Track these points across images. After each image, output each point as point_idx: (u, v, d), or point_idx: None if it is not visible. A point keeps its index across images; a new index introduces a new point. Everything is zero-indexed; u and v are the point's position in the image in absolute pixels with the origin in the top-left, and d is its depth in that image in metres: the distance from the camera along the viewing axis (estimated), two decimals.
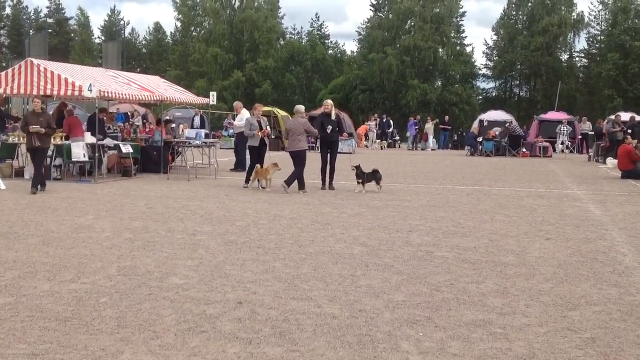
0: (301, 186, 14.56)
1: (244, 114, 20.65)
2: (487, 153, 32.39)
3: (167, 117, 21.95)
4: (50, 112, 21.17)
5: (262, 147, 15.58)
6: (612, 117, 29.17)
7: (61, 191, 13.94)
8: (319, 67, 68.28)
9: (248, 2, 67.55)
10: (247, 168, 16.24)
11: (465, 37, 66.43)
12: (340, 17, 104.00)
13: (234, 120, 23.20)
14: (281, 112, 35.30)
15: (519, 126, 37.27)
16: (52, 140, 14.93)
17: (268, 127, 16.78)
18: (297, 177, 14.54)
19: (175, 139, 18.83)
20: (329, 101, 15.97)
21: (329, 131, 15.07)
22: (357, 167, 14.88)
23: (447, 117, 43.84)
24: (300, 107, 15.31)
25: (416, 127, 40.08)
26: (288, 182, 14.48)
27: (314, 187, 15.21)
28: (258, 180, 15.27)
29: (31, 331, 5.01)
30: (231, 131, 36.66)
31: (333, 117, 15.31)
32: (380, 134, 40.63)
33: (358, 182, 14.88)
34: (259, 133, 15.24)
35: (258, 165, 15.25)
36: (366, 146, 39.87)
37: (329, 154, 15.22)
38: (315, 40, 70.31)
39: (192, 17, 69.38)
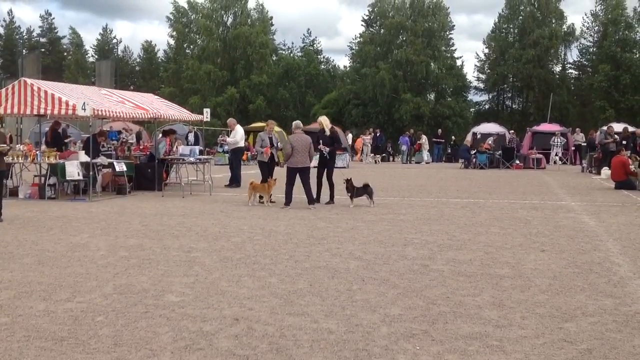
0: (311, 201, 14.59)
1: (238, 130, 20.69)
2: (481, 166, 32.49)
3: (171, 127, 21.98)
4: (45, 130, 21.24)
5: (272, 163, 15.68)
6: (605, 128, 29.32)
7: (56, 210, 13.92)
8: (312, 83, 68.51)
9: (242, 18, 67.85)
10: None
11: (455, 50, 66.78)
12: (331, 32, 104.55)
13: (228, 136, 23.23)
14: (275, 128, 35.35)
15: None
16: (4, 160, 13.04)
17: (279, 144, 16.86)
18: (308, 192, 14.61)
19: (170, 156, 18.81)
20: (322, 118, 16.03)
21: (320, 147, 15.28)
22: (348, 181, 14.86)
23: (440, 131, 44.06)
24: (299, 123, 15.35)
25: (408, 142, 40.34)
26: (311, 200, 14.55)
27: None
28: (261, 197, 15.30)
29: (28, 351, 4.99)
30: (226, 147, 36.78)
31: (327, 132, 15.45)
32: (374, 148, 40.77)
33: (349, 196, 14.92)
34: (266, 151, 15.33)
35: (254, 181, 15.29)
36: (361, 160, 40.04)
37: (325, 170, 15.38)
38: (311, 55, 70.57)
39: (186, 34, 69.58)
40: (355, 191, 14.79)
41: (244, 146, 23.33)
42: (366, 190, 14.82)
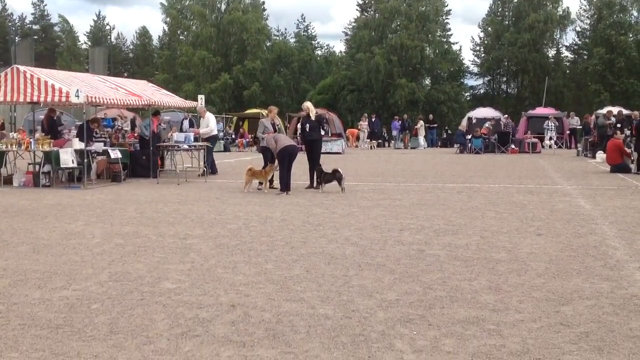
0: (284, 188, 14.56)
1: (210, 118, 20.17)
2: (477, 150, 32.49)
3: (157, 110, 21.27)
4: (39, 118, 21.14)
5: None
6: (603, 111, 29.31)
7: (50, 198, 13.86)
8: (306, 69, 68.27)
9: (234, 4, 67.48)
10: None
11: (451, 35, 66.55)
12: (325, 17, 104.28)
13: (195, 125, 22.12)
14: None
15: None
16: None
17: (282, 129, 16.80)
18: (287, 177, 14.54)
19: (164, 142, 18.72)
20: (307, 104, 16.15)
21: (308, 130, 15.47)
22: (316, 167, 15.05)
23: (431, 116, 44.05)
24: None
25: (398, 126, 40.51)
26: (287, 186, 14.48)
27: (301, 187, 15.24)
28: (260, 183, 15.25)
29: (23, 339, 4.97)
30: (221, 134, 36.63)
31: (312, 117, 15.55)
32: (370, 134, 40.77)
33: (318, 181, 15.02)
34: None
35: (253, 167, 15.23)
36: (356, 146, 40.03)
37: (312, 154, 15.46)
38: (304, 42, 70.29)
39: (180, 20, 69.22)
40: (324, 176, 14.81)
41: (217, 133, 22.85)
42: (334, 176, 14.77)
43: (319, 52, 72.90)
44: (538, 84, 58.57)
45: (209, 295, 6.19)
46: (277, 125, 16.05)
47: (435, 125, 43.25)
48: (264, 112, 34.70)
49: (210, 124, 20.00)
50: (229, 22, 65.40)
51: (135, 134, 21.86)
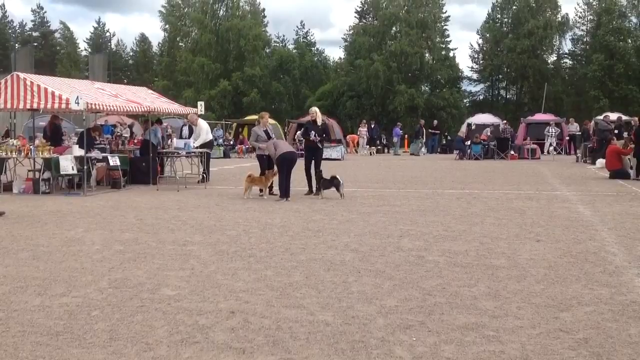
0: (284, 194, 14.53)
1: (202, 126, 19.33)
2: (476, 156, 32.50)
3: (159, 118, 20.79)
4: (40, 124, 21.14)
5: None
6: (601, 117, 29.37)
7: (50, 205, 13.86)
8: (306, 75, 68.36)
9: (233, 10, 67.63)
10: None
11: (450, 41, 66.67)
12: (324, 24, 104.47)
13: (186, 133, 21.32)
14: (270, 121, 35.30)
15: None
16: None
17: (273, 136, 16.65)
18: (286, 183, 14.53)
19: (164, 149, 18.73)
20: (314, 109, 16.11)
21: (312, 137, 15.38)
22: (316, 174, 15.09)
23: (435, 122, 44.07)
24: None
25: (400, 133, 40.58)
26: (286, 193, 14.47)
27: (300, 194, 15.25)
28: (261, 190, 15.24)
29: (23, 346, 4.98)
30: (221, 140, 36.64)
31: (319, 123, 15.56)
32: (369, 140, 40.81)
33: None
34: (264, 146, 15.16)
35: (253, 173, 15.24)
36: (356, 152, 40.08)
37: (313, 160, 15.41)
38: (304, 49, 70.39)
39: (179, 27, 69.37)
40: (322, 183, 14.85)
41: (213, 139, 22.50)
42: (333, 182, 14.79)
43: (316, 59, 72.98)
44: (537, 90, 58.68)
45: (209, 301, 6.20)
46: (272, 132, 16.04)
47: (438, 132, 43.25)
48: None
49: (203, 133, 19.16)
50: (228, 29, 65.53)
51: (136, 140, 21.87)
